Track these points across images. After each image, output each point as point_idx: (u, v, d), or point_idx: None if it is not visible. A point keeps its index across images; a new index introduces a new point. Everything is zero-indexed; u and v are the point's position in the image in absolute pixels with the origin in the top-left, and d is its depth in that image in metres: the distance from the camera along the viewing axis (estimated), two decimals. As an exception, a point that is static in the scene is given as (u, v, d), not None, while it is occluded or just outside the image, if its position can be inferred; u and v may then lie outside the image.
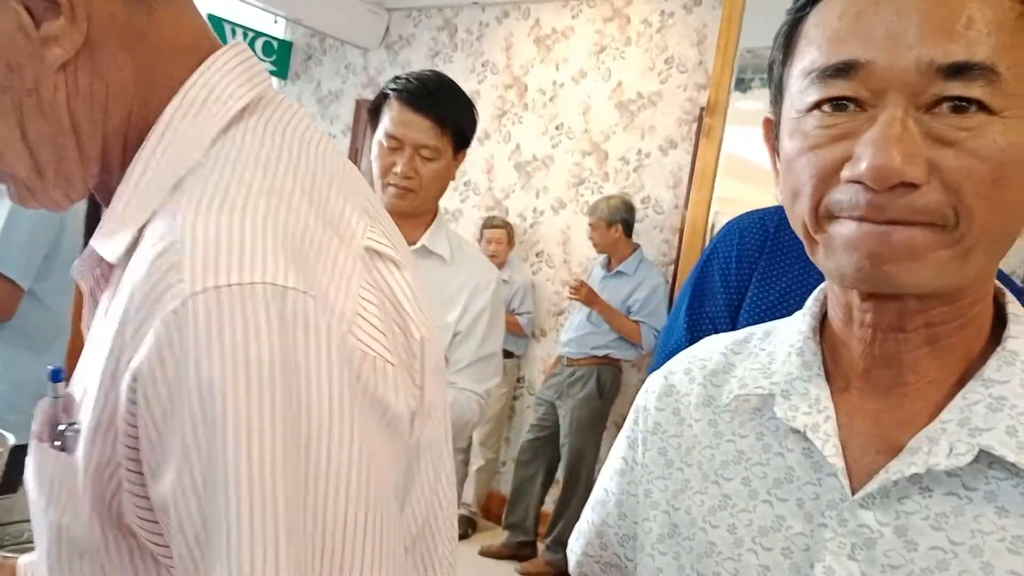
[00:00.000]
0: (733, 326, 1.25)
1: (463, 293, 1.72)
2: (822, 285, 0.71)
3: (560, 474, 4.11)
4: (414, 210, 1.69)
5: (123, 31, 0.58)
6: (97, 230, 0.59)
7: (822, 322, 0.70)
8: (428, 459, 0.61)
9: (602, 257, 4.24)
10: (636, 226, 4.22)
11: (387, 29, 5.74)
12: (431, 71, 1.76)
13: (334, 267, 0.53)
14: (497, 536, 4.31)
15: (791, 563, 0.63)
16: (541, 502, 4.23)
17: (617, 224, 4.09)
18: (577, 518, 0.90)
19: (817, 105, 0.59)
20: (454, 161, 1.73)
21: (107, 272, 0.59)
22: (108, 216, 0.59)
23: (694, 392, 0.75)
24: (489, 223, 4.73)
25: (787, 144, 0.62)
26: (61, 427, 0.60)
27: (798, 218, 0.62)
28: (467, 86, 5.27)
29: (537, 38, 5.01)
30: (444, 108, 1.68)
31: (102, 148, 0.61)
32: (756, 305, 1.25)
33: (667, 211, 4.41)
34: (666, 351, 1.37)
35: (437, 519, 0.63)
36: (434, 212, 1.77)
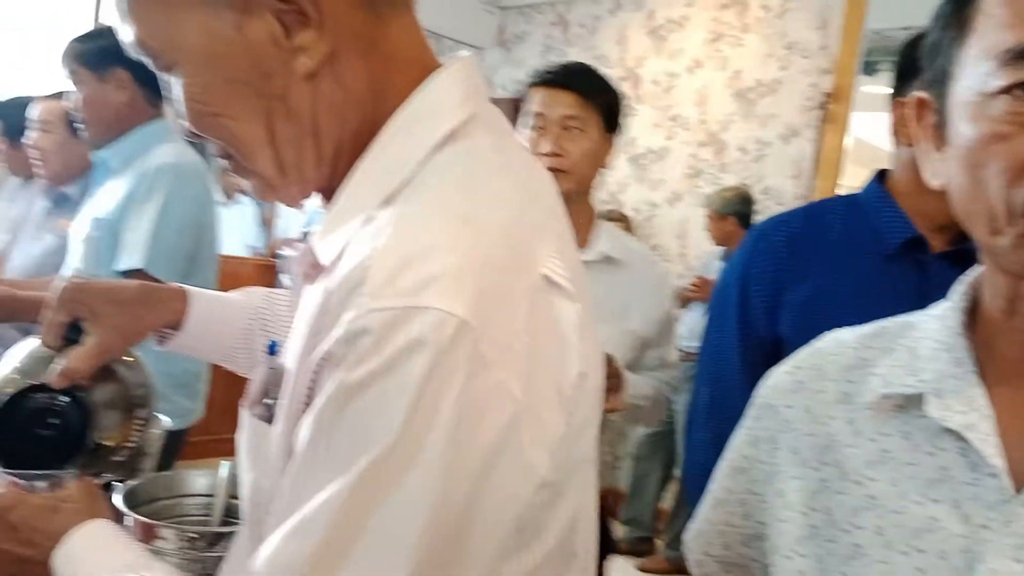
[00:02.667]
0: (774, 326, 1.28)
1: (642, 297, 1.67)
2: (967, 276, 0.68)
3: (678, 470, 4.06)
4: (568, 194, 1.52)
5: (361, 41, 0.62)
6: (315, 231, 0.64)
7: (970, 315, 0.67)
8: (575, 480, 0.62)
9: (720, 250, 4.15)
10: (756, 218, 4.11)
11: (501, 27, 5.81)
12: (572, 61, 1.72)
13: (507, 295, 0.55)
14: (614, 531, 4.30)
15: (948, 565, 0.60)
16: (658, 498, 4.20)
17: (731, 216, 3.99)
18: (692, 515, 0.89)
19: (1007, 90, 0.55)
20: (604, 142, 1.64)
21: (315, 271, 0.64)
22: (327, 220, 0.63)
23: (829, 389, 0.73)
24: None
25: (966, 129, 0.59)
26: (267, 401, 0.67)
27: (981, 208, 0.59)
28: (581, 81, 5.27)
29: (651, 29, 4.94)
30: (585, 81, 1.62)
31: (335, 152, 0.65)
32: (792, 303, 1.26)
33: (788, 202, 4.27)
34: (714, 358, 1.39)
35: (579, 532, 0.66)
36: (590, 206, 1.70)
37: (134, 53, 0.65)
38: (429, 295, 0.52)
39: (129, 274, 1.82)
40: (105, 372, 0.90)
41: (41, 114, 2.34)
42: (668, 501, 4.17)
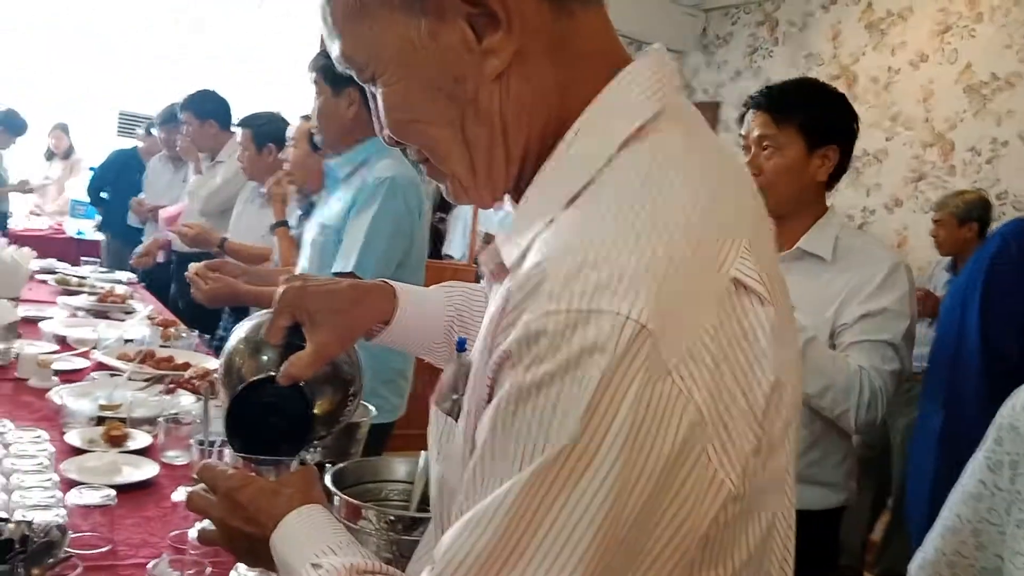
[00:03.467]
0: (1022, 344, 1.19)
1: (843, 293, 1.62)
2: None
3: (891, 498, 3.75)
4: (771, 211, 1.56)
5: (549, 38, 0.62)
6: (503, 232, 0.65)
7: None
8: (768, 498, 0.59)
9: (946, 260, 3.79)
10: (992, 225, 3.71)
11: (704, 30, 5.68)
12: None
13: (690, 300, 0.53)
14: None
15: None
16: (870, 529, 3.89)
17: (972, 223, 3.61)
18: (907, 547, 0.82)
19: None
20: (813, 158, 1.66)
21: (502, 271, 0.65)
22: (514, 221, 0.64)
23: None
24: None
25: None
26: (454, 396, 0.69)
27: None
28: (789, 81, 5.05)
29: (869, 23, 4.63)
30: (781, 101, 1.68)
31: (523, 151, 0.65)
32: None
33: (1030, 207, 3.83)
34: (950, 379, 1.27)
35: (774, 551, 0.62)
36: (818, 212, 1.71)
37: (340, 67, 0.69)
38: (606, 298, 0.51)
39: (341, 276, 1.97)
40: None
41: (290, 131, 2.61)
42: (878, 531, 3.86)
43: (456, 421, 0.66)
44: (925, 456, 1.30)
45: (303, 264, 2.24)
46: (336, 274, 1.99)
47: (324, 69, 2.10)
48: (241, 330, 0.98)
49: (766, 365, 0.55)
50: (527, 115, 0.64)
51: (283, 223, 2.72)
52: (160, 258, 3.79)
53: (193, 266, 2.34)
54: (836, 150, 1.67)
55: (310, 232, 2.22)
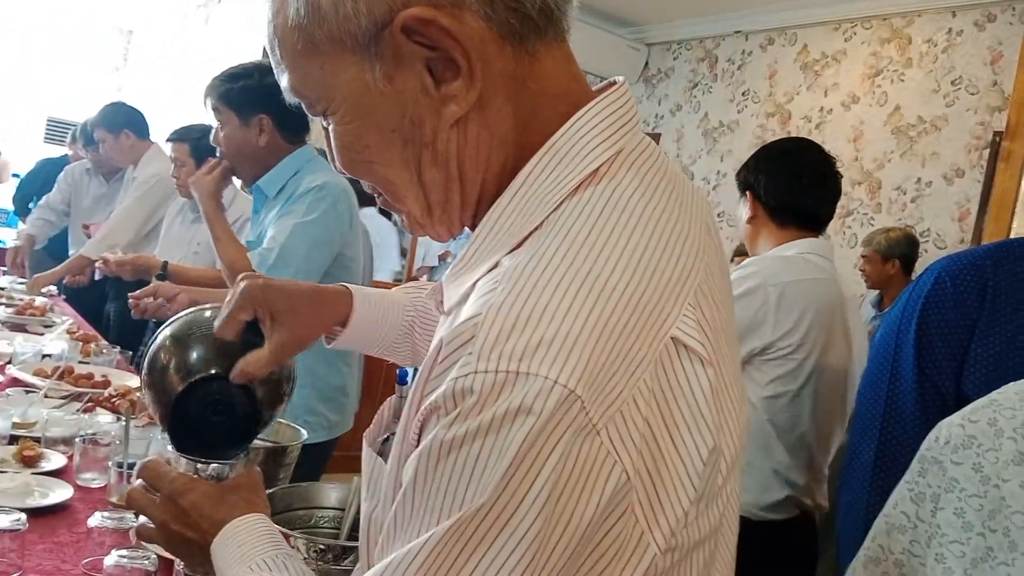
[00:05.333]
0: (958, 382, 1.17)
1: None
2: None
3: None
4: None
5: (509, 83, 0.60)
6: (449, 270, 0.64)
7: None
8: (697, 554, 0.58)
9: (873, 294, 3.92)
10: (917, 263, 3.85)
11: (646, 63, 5.79)
12: None
13: (624, 363, 0.52)
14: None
15: None
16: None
17: (895, 259, 3.75)
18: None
19: None
20: None
21: (443, 310, 0.64)
22: (459, 261, 0.63)
23: (1003, 447, 0.66)
24: (739, 250, 4.52)
25: None
26: (383, 436, 0.69)
27: None
28: (726, 116, 5.20)
29: (804, 64, 4.79)
30: None
31: (479, 193, 0.64)
32: (981, 357, 1.15)
33: (950, 246, 3.99)
34: (884, 415, 1.27)
35: None
36: None
37: (289, 99, 0.67)
38: (535, 362, 0.50)
39: None
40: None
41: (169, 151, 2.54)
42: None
43: (385, 462, 0.64)
44: (858, 490, 1.31)
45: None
46: None
47: (226, 96, 1.94)
48: (168, 328, 0.93)
49: (703, 428, 0.54)
50: (484, 159, 0.62)
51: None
52: (97, 276, 3.65)
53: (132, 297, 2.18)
54: None
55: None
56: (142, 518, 0.87)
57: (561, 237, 0.56)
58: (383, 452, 0.68)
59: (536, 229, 0.58)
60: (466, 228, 0.68)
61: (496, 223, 0.61)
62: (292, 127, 2.00)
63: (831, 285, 1.83)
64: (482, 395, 0.50)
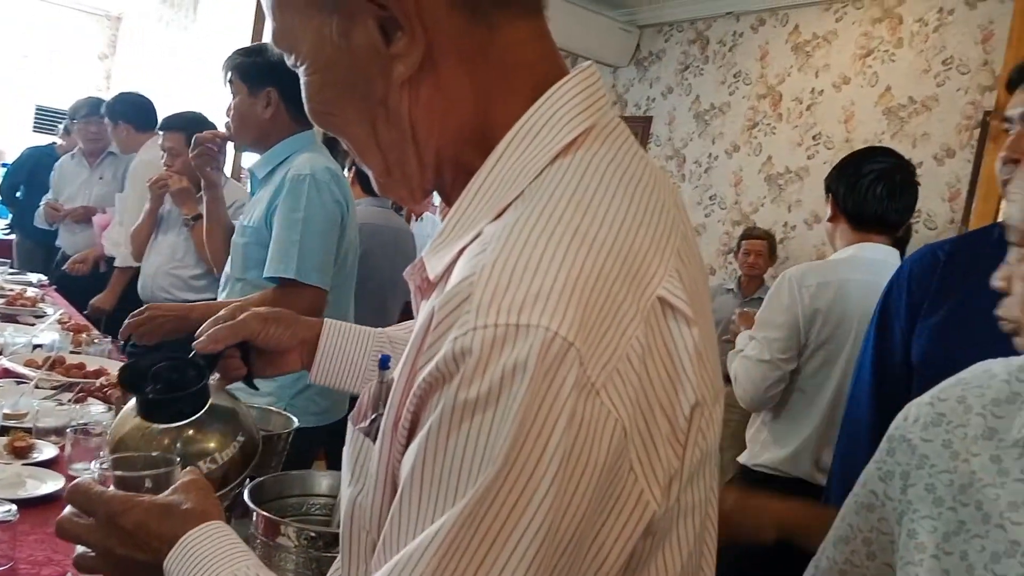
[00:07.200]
0: (907, 352, 1.27)
1: None
2: None
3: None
4: None
5: (464, 47, 0.61)
6: (429, 244, 0.64)
7: None
8: (688, 522, 0.59)
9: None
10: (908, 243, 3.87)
11: (637, 46, 5.77)
12: None
13: (615, 317, 0.52)
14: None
15: None
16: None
17: (887, 241, 3.77)
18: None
19: None
20: None
21: (428, 286, 0.64)
22: (440, 234, 0.63)
23: (972, 423, 0.67)
24: (749, 233, 4.41)
25: None
26: (372, 416, 0.68)
27: None
28: (718, 98, 5.19)
29: (796, 45, 4.78)
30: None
31: (436, 157, 0.65)
32: (925, 327, 1.26)
33: (941, 226, 4.00)
34: (850, 392, 1.40)
35: None
36: None
37: (275, 47, 0.69)
38: (536, 312, 0.50)
39: (282, 281, 1.92)
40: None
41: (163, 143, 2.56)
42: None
43: (374, 443, 0.63)
44: (835, 468, 1.37)
45: (226, 269, 2.17)
46: (272, 279, 1.95)
47: (240, 67, 2.06)
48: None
49: (688, 387, 0.55)
50: (438, 122, 0.63)
51: (198, 216, 2.61)
52: (102, 267, 3.64)
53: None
54: None
55: (236, 236, 2.15)
56: (79, 548, 0.79)
57: (546, 199, 0.57)
58: (370, 434, 0.67)
59: (518, 198, 0.59)
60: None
61: (476, 194, 0.61)
62: (299, 103, 2.00)
63: (868, 287, 1.90)
64: (482, 354, 0.50)
